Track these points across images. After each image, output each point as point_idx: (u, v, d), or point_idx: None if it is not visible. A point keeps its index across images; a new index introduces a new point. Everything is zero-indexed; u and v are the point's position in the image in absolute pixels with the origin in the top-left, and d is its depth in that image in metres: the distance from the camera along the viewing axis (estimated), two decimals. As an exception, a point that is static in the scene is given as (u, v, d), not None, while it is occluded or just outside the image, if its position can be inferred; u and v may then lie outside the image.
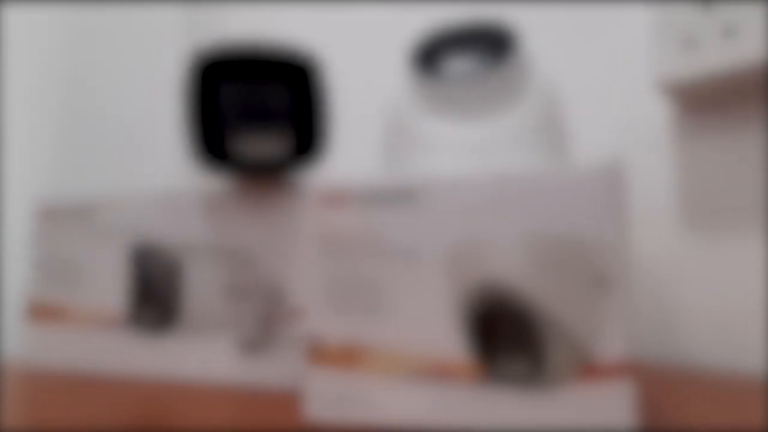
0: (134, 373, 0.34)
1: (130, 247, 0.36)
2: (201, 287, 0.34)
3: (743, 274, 0.40)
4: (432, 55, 0.31)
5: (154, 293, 0.35)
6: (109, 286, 0.36)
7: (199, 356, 0.33)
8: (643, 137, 0.44)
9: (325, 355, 0.25)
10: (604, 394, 0.21)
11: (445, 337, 0.23)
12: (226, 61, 0.31)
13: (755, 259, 0.39)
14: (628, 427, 0.21)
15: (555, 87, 0.31)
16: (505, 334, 0.23)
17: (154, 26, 0.80)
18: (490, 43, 0.30)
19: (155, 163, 0.78)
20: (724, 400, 0.29)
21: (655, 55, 0.41)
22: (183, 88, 0.31)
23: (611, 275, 0.22)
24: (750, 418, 0.26)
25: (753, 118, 0.40)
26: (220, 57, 0.31)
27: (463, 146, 0.29)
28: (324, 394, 0.25)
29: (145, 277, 0.35)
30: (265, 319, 0.32)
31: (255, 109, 0.31)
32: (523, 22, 0.35)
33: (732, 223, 0.41)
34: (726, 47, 0.37)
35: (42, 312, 0.37)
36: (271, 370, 0.32)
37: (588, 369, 0.22)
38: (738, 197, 0.40)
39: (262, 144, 0.31)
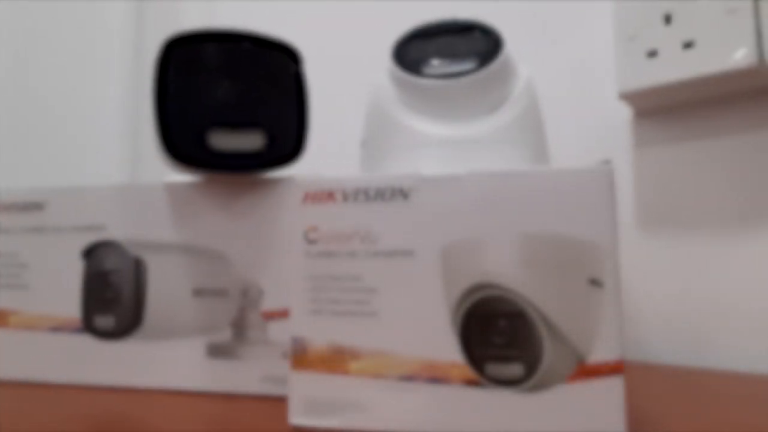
0: (92, 383, 0.32)
1: (86, 244, 0.33)
2: (167, 288, 0.32)
3: (694, 273, 0.42)
4: (417, 54, 0.30)
5: (114, 295, 0.32)
6: (62, 288, 0.33)
7: (164, 362, 0.31)
8: (606, 141, 0.46)
9: (310, 358, 0.24)
10: (597, 394, 0.22)
11: (438, 338, 0.23)
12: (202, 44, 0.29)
13: (707, 258, 0.41)
14: (621, 425, 0.21)
15: (536, 87, 0.31)
16: (499, 336, 0.22)
17: (101, 19, 0.76)
18: (476, 44, 0.30)
19: (99, 160, 0.73)
20: (689, 395, 0.31)
21: (619, 65, 0.42)
22: (154, 78, 0.29)
23: (605, 275, 0.22)
24: (722, 411, 0.27)
25: (710, 124, 0.42)
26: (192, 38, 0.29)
27: (449, 144, 0.28)
28: (309, 399, 0.24)
29: (103, 278, 0.33)
30: (238, 322, 0.31)
31: (231, 101, 0.30)
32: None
33: (686, 224, 0.43)
34: (685, 58, 0.39)
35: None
36: (243, 376, 0.30)
37: (582, 369, 0.22)
38: (694, 200, 0.43)
39: (237, 140, 0.30)
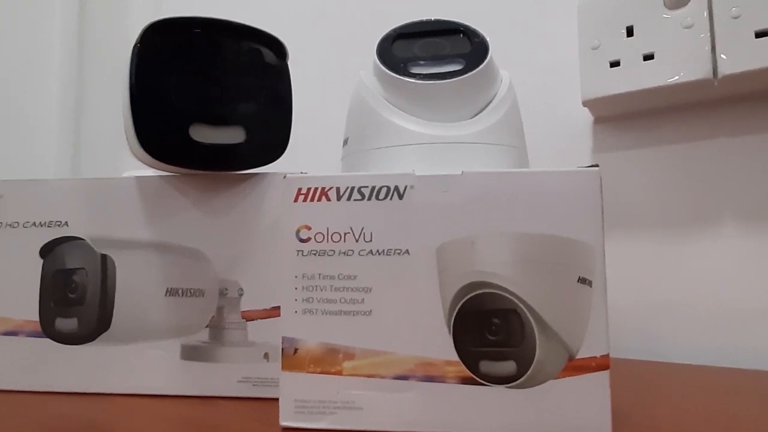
0: (52, 389, 0.30)
1: (46, 241, 0.31)
2: (138, 288, 0.30)
3: (647, 271, 0.44)
4: (403, 54, 0.30)
5: (78, 296, 0.30)
6: (18, 288, 0.31)
7: (134, 366, 0.29)
8: (569, 146, 0.48)
9: (301, 359, 0.24)
10: (585, 388, 0.22)
11: (433, 337, 0.23)
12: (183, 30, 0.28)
13: (659, 258, 0.44)
14: (608, 417, 0.22)
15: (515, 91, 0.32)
16: (493, 334, 0.23)
17: (41, 9, 0.71)
18: (460, 46, 0.30)
19: (37, 155, 0.69)
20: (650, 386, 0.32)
21: (583, 73, 0.44)
22: (130, 69, 0.27)
23: (593, 274, 0.23)
24: (687, 402, 0.28)
25: (664, 132, 0.45)
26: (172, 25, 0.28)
27: (436, 144, 0.29)
28: (300, 400, 0.23)
29: (65, 277, 0.31)
30: (216, 323, 0.30)
31: (212, 95, 0.28)
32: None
33: (640, 225, 0.45)
34: (645, 69, 0.42)
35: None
36: (221, 378, 0.29)
37: (571, 365, 0.22)
38: (647, 203, 0.45)
39: (218, 136, 0.29)
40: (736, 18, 0.39)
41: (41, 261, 0.31)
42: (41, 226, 0.31)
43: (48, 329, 0.30)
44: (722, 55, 0.39)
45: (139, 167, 0.33)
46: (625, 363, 0.39)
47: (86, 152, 0.78)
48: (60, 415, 0.26)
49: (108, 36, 0.81)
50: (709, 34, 0.39)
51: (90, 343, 0.30)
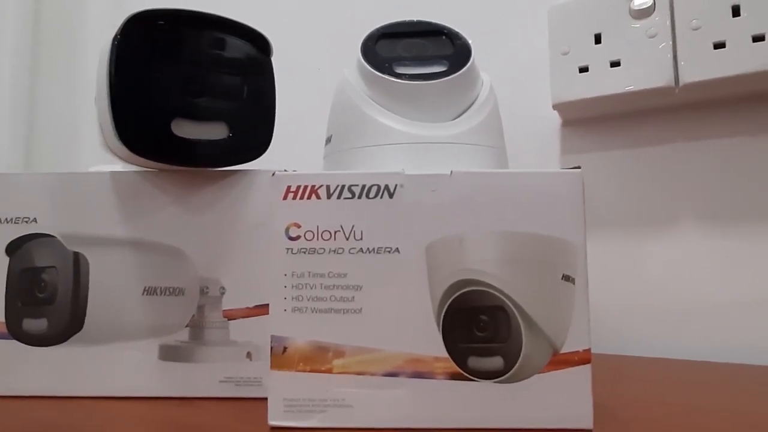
0: (20, 393, 0.29)
1: (12, 238, 0.29)
2: (113, 287, 0.29)
3: (614, 269, 0.46)
4: (387, 54, 0.30)
5: (48, 295, 0.29)
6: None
7: (109, 368, 0.28)
8: (541, 148, 0.49)
9: (291, 357, 0.24)
10: (568, 381, 0.23)
11: (422, 334, 0.23)
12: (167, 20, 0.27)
13: (625, 256, 0.46)
14: (589, 409, 0.23)
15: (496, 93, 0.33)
16: (481, 330, 0.23)
17: None
18: (443, 48, 0.31)
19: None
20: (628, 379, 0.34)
21: (553, 78, 0.45)
22: (110, 61, 0.26)
23: (576, 271, 0.24)
24: (659, 394, 0.30)
25: (629, 135, 0.47)
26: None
27: (421, 144, 0.29)
28: (289, 399, 0.23)
29: (33, 276, 0.29)
30: (196, 322, 0.29)
31: (195, 89, 0.28)
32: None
33: (606, 225, 0.47)
34: (611, 75, 0.43)
35: None
36: (202, 379, 0.28)
37: (556, 359, 0.23)
38: (613, 204, 0.47)
39: (200, 131, 0.28)
40: (696, 30, 0.41)
41: (7, 259, 0.30)
42: (7, 222, 0.30)
43: (15, 330, 0.29)
44: (682, 63, 0.41)
45: (106, 162, 0.32)
46: (598, 357, 0.40)
47: (39, 145, 0.75)
48: (31, 420, 0.25)
49: (63, 26, 0.78)
50: (671, 44, 0.41)
51: (61, 345, 0.29)
